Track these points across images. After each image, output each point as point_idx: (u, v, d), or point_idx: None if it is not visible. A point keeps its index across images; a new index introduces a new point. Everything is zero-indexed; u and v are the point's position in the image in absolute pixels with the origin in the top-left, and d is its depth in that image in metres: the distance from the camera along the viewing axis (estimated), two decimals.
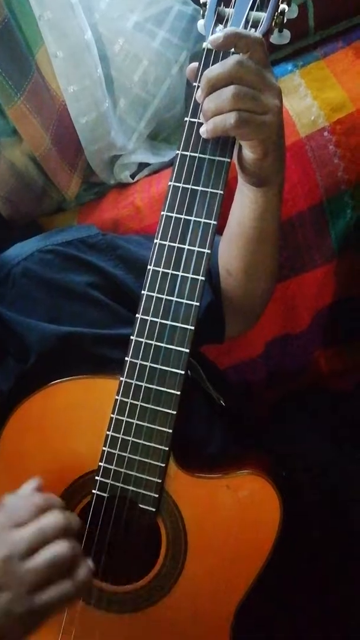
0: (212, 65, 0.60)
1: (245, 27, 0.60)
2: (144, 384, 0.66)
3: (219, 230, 0.65)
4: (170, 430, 0.66)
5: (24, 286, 0.77)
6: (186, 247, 0.64)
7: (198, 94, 0.61)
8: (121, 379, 0.67)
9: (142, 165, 1.02)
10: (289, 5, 0.60)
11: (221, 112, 0.59)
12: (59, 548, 0.58)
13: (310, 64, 1.01)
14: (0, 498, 0.61)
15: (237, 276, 0.80)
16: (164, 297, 0.65)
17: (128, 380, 0.67)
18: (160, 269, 0.65)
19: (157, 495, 0.68)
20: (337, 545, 0.82)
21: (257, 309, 0.88)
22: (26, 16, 0.83)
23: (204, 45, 0.62)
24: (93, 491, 0.69)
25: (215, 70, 0.58)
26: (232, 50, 0.60)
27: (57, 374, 0.71)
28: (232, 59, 0.58)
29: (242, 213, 0.73)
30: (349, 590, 0.81)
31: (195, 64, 0.62)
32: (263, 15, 0.60)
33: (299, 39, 1.02)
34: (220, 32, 0.59)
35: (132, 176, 1.02)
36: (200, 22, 0.63)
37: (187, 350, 0.65)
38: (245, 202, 0.71)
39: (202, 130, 0.61)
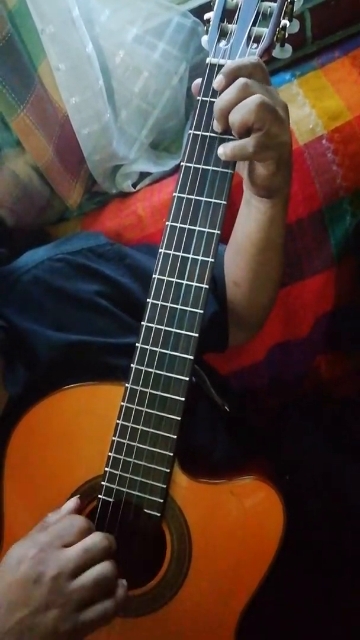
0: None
1: (248, 43, 0.62)
2: (149, 390, 0.67)
3: (221, 240, 0.67)
4: (175, 436, 0.67)
5: (33, 293, 0.78)
6: (190, 256, 0.65)
7: (214, 125, 0.62)
8: (127, 385, 0.68)
9: (143, 175, 1.03)
10: (290, 20, 0.61)
11: (247, 124, 0.59)
12: (103, 568, 0.61)
13: (307, 74, 1.03)
14: (10, 502, 0.62)
15: (243, 286, 0.81)
16: (169, 304, 0.66)
17: (133, 387, 0.68)
18: (165, 278, 0.66)
19: (162, 501, 0.68)
20: (338, 549, 0.82)
21: (260, 318, 0.89)
22: (29, 30, 0.84)
23: (207, 60, 0.63)
24: (99, 496, 0.70)
25: (225, 97, 0.60)
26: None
27: (65, 382, 0.72)
28: (238, 83, 0.59)
29: (249, 224, 0.74)
30: (350, 594, 0.82)
31: (199, 80, 0.64)
32: (265, 31, 0.61)
33: (297, 49, 1.04)
34: (219, 74, 0.60)
35: (134, 185, 1.02)
36: (204, 38, 0.64)
37: (192, 357, 0.66)
38: (253, 213, 0.72)
39: (220, 152, 0.62)
